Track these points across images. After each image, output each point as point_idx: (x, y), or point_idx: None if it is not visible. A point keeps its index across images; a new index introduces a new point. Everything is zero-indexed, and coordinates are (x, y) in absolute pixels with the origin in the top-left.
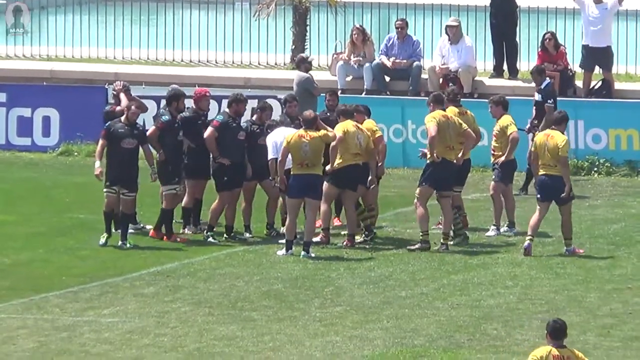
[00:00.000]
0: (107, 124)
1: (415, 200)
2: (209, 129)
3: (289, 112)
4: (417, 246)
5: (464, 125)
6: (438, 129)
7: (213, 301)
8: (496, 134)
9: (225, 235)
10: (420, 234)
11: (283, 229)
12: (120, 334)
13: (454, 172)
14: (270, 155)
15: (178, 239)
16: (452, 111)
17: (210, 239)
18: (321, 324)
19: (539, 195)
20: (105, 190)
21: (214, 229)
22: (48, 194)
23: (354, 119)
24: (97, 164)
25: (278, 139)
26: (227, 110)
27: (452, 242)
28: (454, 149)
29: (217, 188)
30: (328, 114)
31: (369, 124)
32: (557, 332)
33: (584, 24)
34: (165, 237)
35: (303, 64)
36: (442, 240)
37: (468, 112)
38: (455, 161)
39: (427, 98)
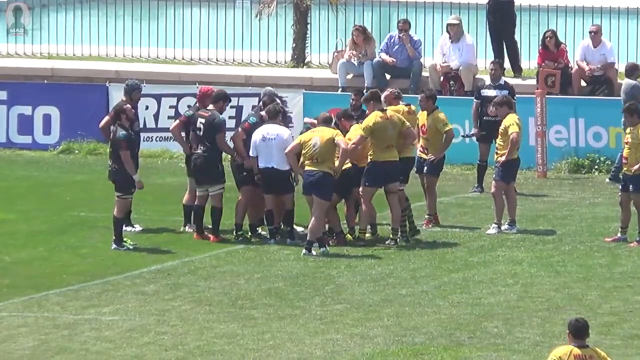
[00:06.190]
0: (124, 135)
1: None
2: (238, 131)
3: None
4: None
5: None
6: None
7: (213, 299)
8: (501, 133)
9: (249, 233)
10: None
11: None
12: (120, 332)
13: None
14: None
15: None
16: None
17: (241, 239)
18: (322, 321)
19: None
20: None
21: (242, 227)
22: (49, 192)
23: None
24: (137, 177)
25: (257, 137)
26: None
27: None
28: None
29: (238, 184)
30: (353, 112)
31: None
32: (579, 331)
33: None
34: (212, 237)
35: (636, 72)
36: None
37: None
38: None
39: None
